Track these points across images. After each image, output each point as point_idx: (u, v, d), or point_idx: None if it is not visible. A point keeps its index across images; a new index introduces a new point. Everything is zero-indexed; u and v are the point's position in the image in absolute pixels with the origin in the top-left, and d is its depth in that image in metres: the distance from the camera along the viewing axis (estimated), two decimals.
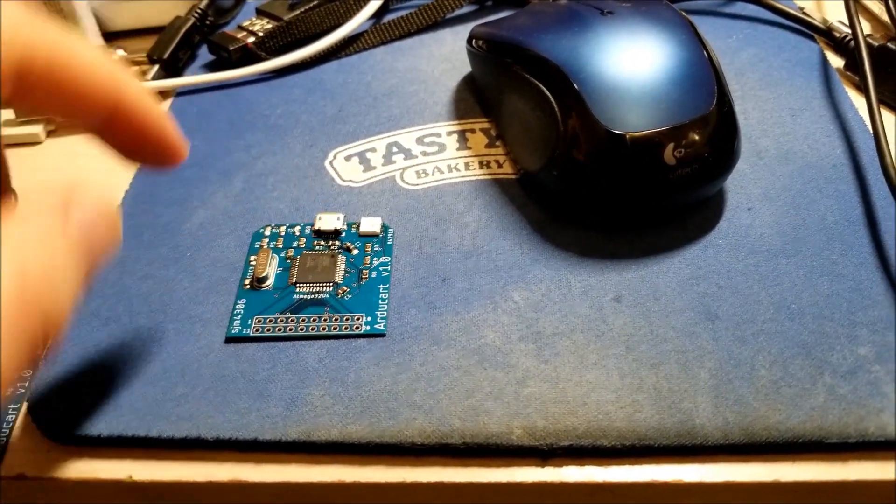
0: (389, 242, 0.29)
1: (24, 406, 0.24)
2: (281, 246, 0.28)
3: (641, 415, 0.23)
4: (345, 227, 0.29)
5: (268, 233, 0.29)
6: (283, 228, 0.29)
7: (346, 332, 0.25)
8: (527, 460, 0.22)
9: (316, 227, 0.29)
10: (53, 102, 0.21)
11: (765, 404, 0.23)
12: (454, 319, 0.26)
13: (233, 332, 0.25)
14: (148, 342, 0.25)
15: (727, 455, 0.22)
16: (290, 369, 0.24)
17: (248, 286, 0.27)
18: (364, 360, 0.25)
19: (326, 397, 0.23)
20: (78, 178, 0.19)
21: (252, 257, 0.28)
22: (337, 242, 0.29)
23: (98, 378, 0.24)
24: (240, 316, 0.26)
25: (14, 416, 0.24)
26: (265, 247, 0.28)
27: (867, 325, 0.25)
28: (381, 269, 0.28)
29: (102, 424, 0.23)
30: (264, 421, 0.23)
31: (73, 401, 0.24)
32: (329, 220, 0.29)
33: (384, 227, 0.29)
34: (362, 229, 0.29)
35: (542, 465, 0.22)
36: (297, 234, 0.29)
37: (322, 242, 0.29)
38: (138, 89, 0.22)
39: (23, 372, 0.17)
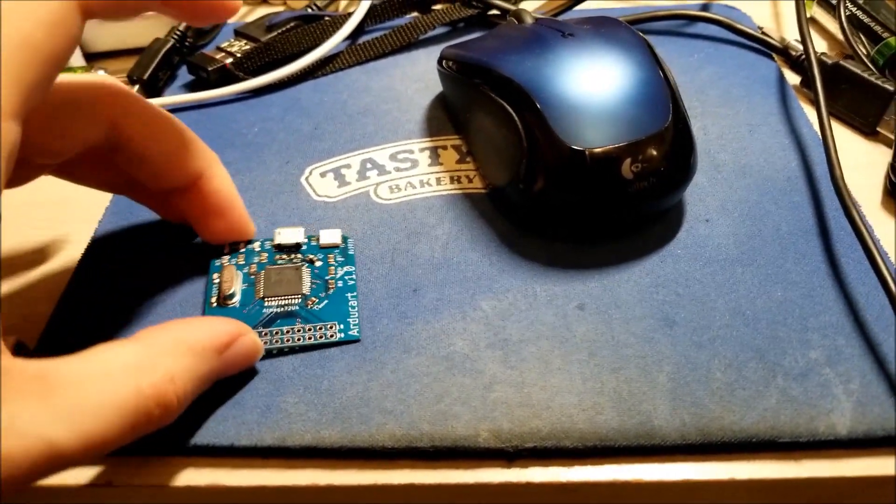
0: (351, 252, 0.29)
1: None
2: (243, 262, 0.29)
3: (603, 417, 0.24)
4: (305, 240, 0.30)
5: (227, 250, 0.29)
6: (241, 245, 0.29)
7: (322, 340, 0.26)
8: (493, 462, 0.23)
9: (276, 241, 0.29)
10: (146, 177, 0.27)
11: (720, 406, 0.24)
12: (424, 328, 0.27)
13: None
14: None
15: (684, 455, 0.23)
16: (264, 378, 0.25)
17: (215, 304, 0.27)
18: (337, 368, 0.25)
19: (300, 404, 0.24)
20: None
21: (215, 275, 0.28)
22: (299, 255, 0.29)
23: None
24: None
25: None
26: (227, 263, 0.29)
27: (818, 330, 0.26)
28: (346, 278, 0.28)
29: None
30: (240, 427, 0.24)
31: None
32: (289, 234, 0.29)
33: (344, 238, 0.30)
34: (322, 241, 0.29)
35: (508, 467, 0.23)
36: (258, 249, 0.29)
37: (284, 256, 0.29)
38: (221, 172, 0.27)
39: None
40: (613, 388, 0.24)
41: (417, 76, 0.40)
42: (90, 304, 0.28)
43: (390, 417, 0.24)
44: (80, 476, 0.23)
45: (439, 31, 0.43)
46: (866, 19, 0.38)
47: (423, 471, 0.23)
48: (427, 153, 0.35)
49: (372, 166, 0.34)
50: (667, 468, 0.23)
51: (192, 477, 0.23)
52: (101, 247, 0.30)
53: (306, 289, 0.28)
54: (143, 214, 0.32)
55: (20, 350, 0.27)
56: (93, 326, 0.27)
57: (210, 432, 0.24)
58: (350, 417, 0.24)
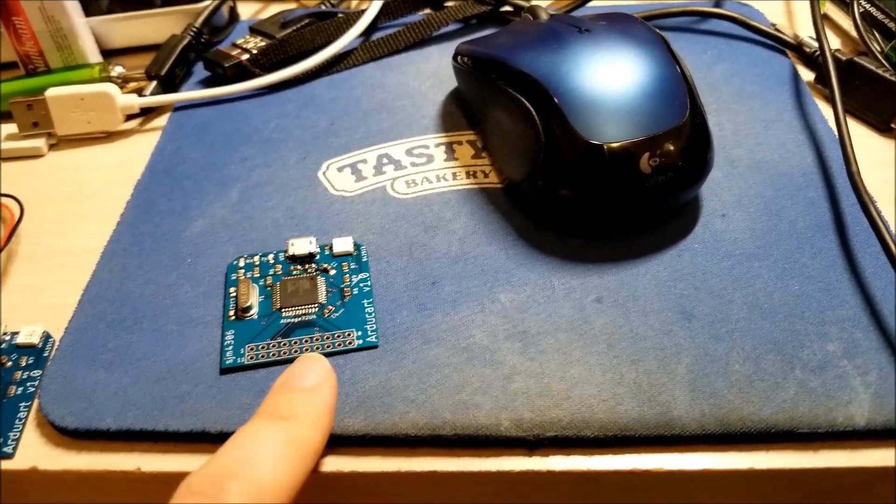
0: (364, 259, 0.29)
1: (36, 403, 0.25)
2: (258, 275, 0.29)
3: (622, 407, 0.24)
4: (318, 250, 0.30)
5: (242, 263, 0.29)
6: (256, 258, 0.29)
7: (340, 348, 0.26)
8: (514, 451, 0.24)
9: (289, 252, 0.29)
10: None
11: (739, 397, 0.24)
12: (444, 320, 0.27)
13: (227, 362, 0.26)
14: (152, 343, 0.26)
15: (704, 445, 0.23)
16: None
17: (234, 317, 0.27)
18: (359, 358, 0.26)
19: None
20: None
21: (231, 289, 0.28)
22: (313, 265, 0.29)
23: (106, 376, 0.25)
24: (231, 346, 0.26)
25: (26, 413, 0.25)
26: (243, 277, 0.29)
27: (836, 324, 0.26)
28: (361, 285, 0.28)
29: (111, 419, 0.24)
30: None
31: (82, 397, 0.25)
32: (302, 245, 0.29)
33: (356, 245, 0.30)
34: (336, 249, 0.30)
35: (530, 455, 0.24)
36: (272, 261, 0.29)
37: (298, 267, 0.29)
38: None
39: None
40: (633, 379, 0.25)
41: (431, 72, 0.40)
42: (113, 296, 0.28)
43: (412, 406, 0.24)
44: (109, 462, 0.24)
45: (452, 27, 0.43)
46: (880, 16, 0.38)
47: (445, 458, 0.24)
48: (442, 148, 0.35)
49: (388, 161, 0.34)
50: (686, 458, 0.23)
51: None
52: (123, 241, 0.31)
53: (322, 298, 0.28)
54: (164, 207, 0.32)
55: (46, 340, 0.27)
56: (116, 317, 0.27)
57: (236, 420, 0.24)
58: (373, 406, 0.24)
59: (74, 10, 0.39)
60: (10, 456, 0.24)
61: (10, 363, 0.27)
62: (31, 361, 0.27)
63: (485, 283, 0.28)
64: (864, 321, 0.26)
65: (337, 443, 0.24)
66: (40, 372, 0.26)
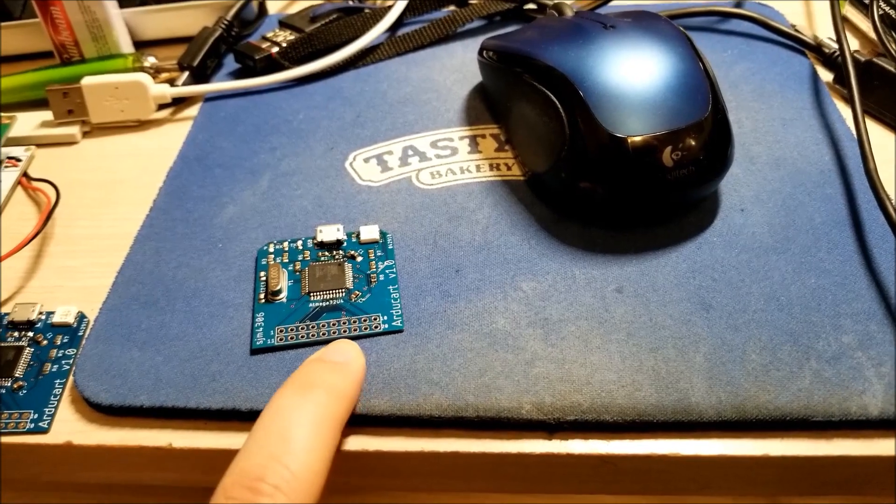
0: (390, 247, 0.30)
1: (70, 380, 0.26)
2: (287, 260, 0.30)
3: (641, 393, 0.24)
4: (345, 237, 0.30)
5: (272, 249, 0.30)
6: (285, 244, 0.30)
7: (366, 332, 0.27)
8: (535, 433, 0.24)
9: (318, 239, 0.30)
10: None
11: (755, 385, 0.25)
12: (467, 306, 0.28)
13: (257, 343, 0.26)
14: (185, 323, 0.27)
15: (720, 431, 0.24)
16: (316, 349, 0.26)
17: (263, 300, 0.28)
18: (384, 341, 0.27)
19: None
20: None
21: (261, 273, 0.29)
22: (340, 252, 0.30)
23: (139, 355, 0.26)
24: (261, 328, 0.27)
25: (61, 389, 0.26)
26: (272, 262, 0.30)
27: (851, 316, 0.27)
28: (387, 272, 0.29)
29: (144, 396, 0.25)
30: None
31: (116, 375, 0.26)
32: (329, 232, 0.30)
33: (382, 234, 0.31)
34: (363, 237, 0.30)
35: (550, 438, 0.24)
36: (300, 247, 0.30)
37: (326, 253, 0.30)
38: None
39: None
40: (652, 366, 0.25)
41: (455, 67, 0.41)
42: (146, 278, 0.29)
43: (436, 388, 0.25)
44: (142, 438, 0.25)
45: (475, 24, 0.44)
46: None
47: (468, 440, 0.24)
48: (466, 141, 0.36)
49: (413, 153, 0.35)
50: (703, 443, 0.24)
51: None
52: (156, 225, 0.32)
53: (349, 283, 0.29)
54: (196, 193, 0.33)
55: (81, 319, 0.28)
56: (149, 298, 0.28)
57: (266, 398, 0.24)
58: (398, 387, 0.25)
59: (110, 1, 0.40)
60: (45, 431, 0.25)
61: (45, 342, 0.28)
62: (65, 340, 0.28)
63: (507, 271, 0.29)
64: (878, 314, 0.26)
65: (363, 422, 0.24)
66: (75, 350, 0.27)
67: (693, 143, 0.28)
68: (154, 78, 0.39)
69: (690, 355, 0.26)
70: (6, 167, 0.35)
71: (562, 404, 0.24)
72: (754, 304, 0.27)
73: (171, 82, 0.39)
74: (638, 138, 0.28)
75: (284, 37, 0.41)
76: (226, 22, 0.41)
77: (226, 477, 0.20)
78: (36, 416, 0.25)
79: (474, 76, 0.39)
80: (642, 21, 0.32)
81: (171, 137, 0.37)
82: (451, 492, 0.27)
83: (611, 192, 0.29)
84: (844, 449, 0.24)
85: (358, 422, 0.24)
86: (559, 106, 0.29)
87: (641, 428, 0.24)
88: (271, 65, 0.40)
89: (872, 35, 0.39)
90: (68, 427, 0.25)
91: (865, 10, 0.41)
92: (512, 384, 0.25)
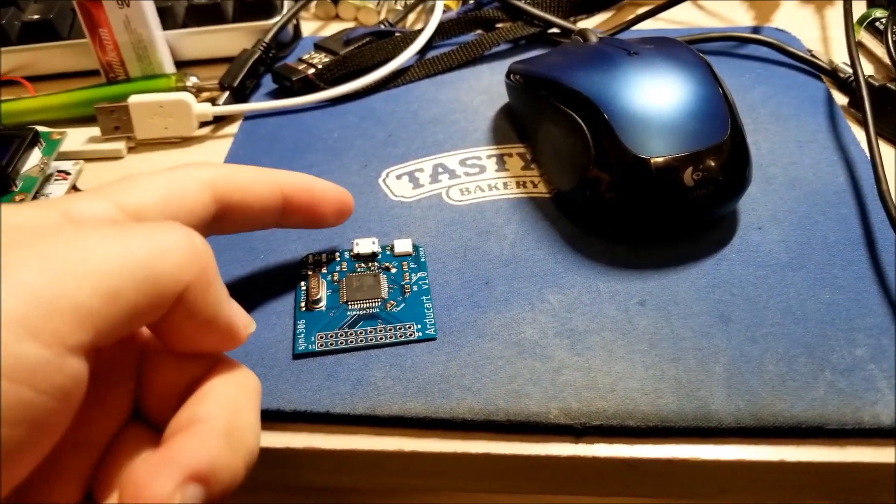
0: (423, 259, 0.32)
1: None
2: (325, 271, 0.31)
3: (663, 401, 0.26)
4: (380, 250, 0.32)
5: (311, 260, 0.32)
6: (323, 255, 0.32)
7: (402, 339, 0.28)
8: (562, 437, 0.26)
9: (354, 251, 0.32)
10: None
11: (772, 395, 0.26)
12: (496, 317, 0.29)
13: (299, 348, 0.28)
14: None
15: (739, 437, 0.25)
16: (355, 355, 0.28)
17: (304, 308, 0.30)
18: (418, 348, 0.28)
19: (388, 378, 0.27)
20: None
21: (301, 283, 0.31)
22: (376, 263, 0.31)
23: None
24: (303, 334, 0.28)
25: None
26: (312, 272, 0.31)
27: (864, 331, 0.28)
28: (420, 283, 0.31)
29: None
30: (335, 397, 0.26)
31: None
32: (365, 245, 0.32)
33: (415, 247, 0.32)
34: (397, 250, 0.32)
35: (576, 442, 0.26)
36: (338, 259, 0.32)
37: (362, 264, 0.31)
38: (298, 181, 0.28)
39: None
40: (673, 375, 0.27)
41: (482, 89, 0.42)
42: None
43: (468, 393, 0.26)
44: None
45: (502, 47, 0.46)
46: None
47: (498, 442, 0.26)
48: (494, 160, 0.37)
49: (443, 171, 0.37)
50: (722, 449, 0.25)
51: (290, 440, 0.26)
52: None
53: (385, 293, 0.30)
54: None
55: None
56: None
57: (307, 400, 0.26)
58: (432, 392, 0.26)
59: (154, 23, 0.42)
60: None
61: None
62: None
63: (534, 284, 0.30)
64: (890, 329, 0.28)
65: (399, 424, 0.26)
66: None
67: (713, 164, 0.30)
68: (196, 97, 0.41)
69: (710, 365, 0.27)
70: (57, 180, 0.37)
71: (588, 410, 0.26)
72: (771, 317, 0.28)
73: (213, 101, 0.41)
74: (660, 159, 0.29)
75: (320, 59, 0.43)
76: (264, 44, 0.43)
77: None
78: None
79: (501, 97, 0.41)
80: (664, 47, 0.34)
81: (213, 154, 0.39)
82: (481, 493, 0.29)
83: (634, 210, 0.31)
84: (857, 456, 0.25)
85: (395, 423, 0.26)
86: (585, 128, 0.31)
87: (663, 433, 0.25)
88: (307, 86, 0.42)
89: (887, 60, 0.41)
90: None
91: (880, 36, 0.42)
92: (540, 390, 0.26)
